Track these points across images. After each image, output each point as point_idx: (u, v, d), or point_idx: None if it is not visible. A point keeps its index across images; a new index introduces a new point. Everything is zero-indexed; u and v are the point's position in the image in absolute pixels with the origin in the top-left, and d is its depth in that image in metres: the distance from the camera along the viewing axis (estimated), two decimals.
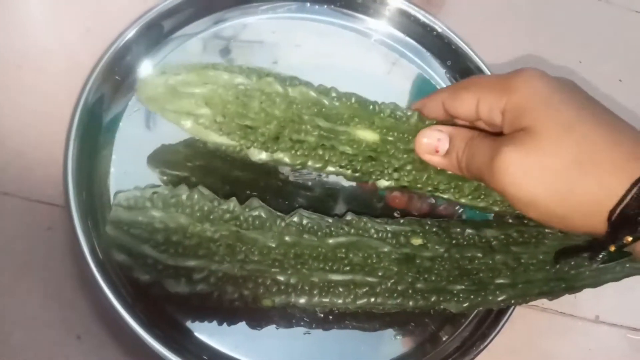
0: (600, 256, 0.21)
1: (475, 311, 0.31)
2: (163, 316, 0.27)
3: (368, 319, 0.30)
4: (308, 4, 0.36)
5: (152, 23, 0.32)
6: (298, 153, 0.26)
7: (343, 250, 0.26)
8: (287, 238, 0.26)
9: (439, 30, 0.36)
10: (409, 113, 0.27)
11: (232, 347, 0.28)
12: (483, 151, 0.23)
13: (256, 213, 0.26)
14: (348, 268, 0.26)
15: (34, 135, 0.31)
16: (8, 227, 0.29)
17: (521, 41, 0.43)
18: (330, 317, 0.29)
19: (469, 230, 0.28)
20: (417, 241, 0.27)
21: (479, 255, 0.27)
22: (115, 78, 0.31)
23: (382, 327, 0.30)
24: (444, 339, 0.30)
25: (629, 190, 0.19)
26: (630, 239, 0.20)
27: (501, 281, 0.27)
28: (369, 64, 0.37)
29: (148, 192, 0.25)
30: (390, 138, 0.27)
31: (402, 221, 0.28)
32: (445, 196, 0.29)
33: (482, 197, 0.29)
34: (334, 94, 0.27)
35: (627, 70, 0.43)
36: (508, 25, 0.43)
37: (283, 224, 0.26)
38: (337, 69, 0.35)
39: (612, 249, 0.21)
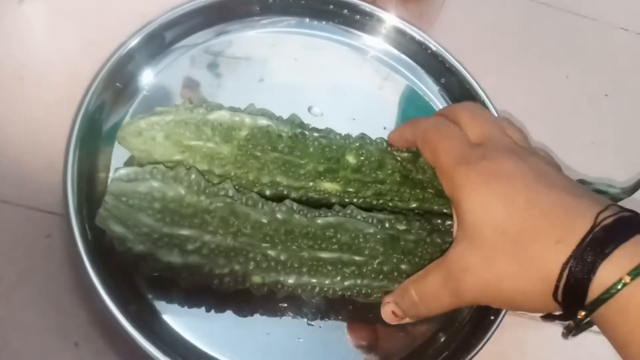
0: (571, 331, 0.23)
1: (466, 319, 0.32)
2: (161, 324, 0.28)
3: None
4: (307, 20, 0.38)
5: (154, 33, 0.33)
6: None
7: (332, 229, 0.27)
8: (278, 215, 0.27)
9: (433, 48, 0.38)
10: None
11: (228, 353, 0.28)
12: (433, 292, 0.25)
13: (249, 195, 0.27)
14: (336, 246, 0.27)
15: (35, 144, 0.32)
16: (7, 235, 0.29)
17: (510, 57, 0.45)
18: (320, 326, 0.30)
19: (448, 222, 0.29)
20: (401, 227, 0.28)
21: None
22: (116, 86, 0.32)
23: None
24: (434, 346, 0.31)
25: (561, 274, 0.21)
26: (583, 313, 0.21)
27: None
28: (360, 79, 0.38)
29: (148, 167, 0.26)
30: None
31: (386, 212, 0.29)
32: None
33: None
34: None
35: (613, 85, 0.45)
36: (497, 41, 0.45)
37: (274, 204, 0.27)
38: (328, 84, 0.37)
39: (572, 324, 0.22)
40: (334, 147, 0.29)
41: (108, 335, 0.28)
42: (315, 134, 0.29)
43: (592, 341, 0.35)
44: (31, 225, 0.30)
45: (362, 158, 0.29)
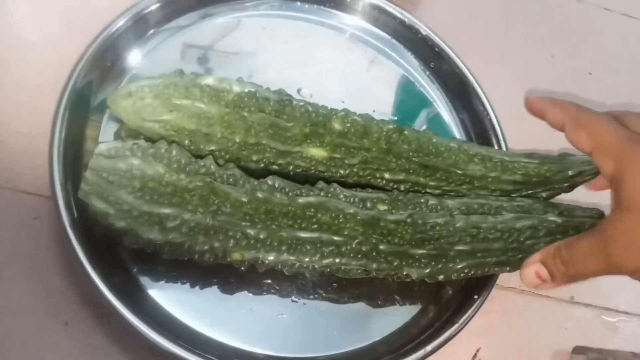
0: None
1: (452, 290, 0.32)
2: (146, 298, 0.28)
3: (342, 305, 0.31)
4: (298, 3, 0.38)
5: (139, 15, 0.33)
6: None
7: (312, 209, 0.27)
8: (259, 194, 0.27)
9: (423, 32, 0.38)
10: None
11: (209, 328, 0.28)
12: (588, 251, 0.25)
13: (231, 172, 0.27)
14: (316, 226, 0.27)
15: (21, 127, 0.32)
16: None
17: (494, 37, 0.45)
18: (304, 303, 0.30)
19: (432, 201, 0.29)
20: (382, 207, 0.28)
21: (440, 222, 0.28)
22: (101, 67, 0.32)
23: (356, 312, 0.31)
24: (422, 321, 0.31)
25: None
26: None
27: (461, 248, 0.28)
28: (348, 62, 0.38)
29: (129, 143, 0.26)
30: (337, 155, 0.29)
31: (370, 190, 0.29)
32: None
33: (444, 178, 0.30)
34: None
35: (597, 64, 0.45)
36: (482, 21, 0.45)
37: (256, 182, 0.27)
38: (317, 69, 0.37)
39: None
40: (320, 114, 0.29)
41: (98, 315, 0.28)
42: (302, 103, 0.30)
43: (578, 313, 0.36)
44: (19, 208, 0.30)
45: (347, 125, 0.29)
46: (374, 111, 0.35)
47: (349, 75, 0.38)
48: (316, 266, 0.27)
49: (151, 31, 0.34)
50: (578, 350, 0.34)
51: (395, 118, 0.37)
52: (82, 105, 0.31)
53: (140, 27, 0.34)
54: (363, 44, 0.39)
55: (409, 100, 0.38)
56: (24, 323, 0.28)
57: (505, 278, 0.35)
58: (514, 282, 0.36)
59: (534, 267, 0.27)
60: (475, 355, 0.33)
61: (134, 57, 0.34)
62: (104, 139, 0.31)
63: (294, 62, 0.36)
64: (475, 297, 0.31)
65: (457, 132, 0.38)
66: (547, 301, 0.36)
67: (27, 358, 0.27)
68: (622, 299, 0.37)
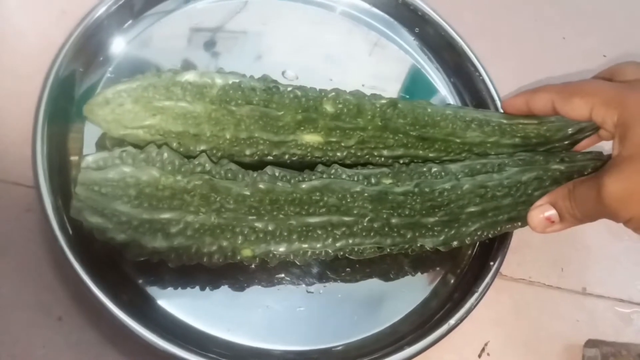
0: None
1: (465, 261, 0.32)
2: (156, 309, 0.27)
3: (358, 288, 0.30)
4: None
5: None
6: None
7: (317, 193, 0.26)
8: (260, 185, 0.26)
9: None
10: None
11: (228, 330, 0.27)
12: (588, 194, 0.25)
13: (227, 167, 0.26)
14: (324, 210, 0.26)
15: (10, 117, 0.31)
16: None
17: (503, 18, 0.43)
18: (320, 292, 0.29)
19: (435, 169, 0.29)
20: (387, 181, 0.28)
21: (447, 187, 0.28)
22: (86, 55, 0.31)
23: (374, 294, 0.30)
24: (440, 295, 0.31)
25: None
26: None
27: (471, 210, 0.28)
28: (350, 47, 0.37)
29: (116, 151, 0.25)
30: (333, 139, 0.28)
31: (371, 167, 0.29)
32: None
33: (443, 148, 0.30)
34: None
35: (611, 45, 0.44)
36: (490, 2, 0.43)
37: (255, 174, 0.26)
38: (321, 57, 0.36)
39: None
40: (310, 98, 0.28)
41: (92, 309, 0.27)
42: (289, 88, 0.28)
43: (591, 304, 0.35)
44: (10, 200, 0.29)
45: (340, 106, 0.28)
46: (363, 85, 0.34)
47: (335, 51, 0.36)
48: (329, 250, 0.27)
49: (135, 18, 0.33)
50: (590, 343, 0.33)
51: (387, 90, 0.35)
52: (66, 92, 0.29)
53: (124, 13, 0.32)
54: (366, 26, 0.38)
55: (396, 69, 0.37)
56: (16, 319, 0.27)
57: (513, 269, 0.34)
58: (523, 273, 0.34)
59: (541, 208, 0.27)
60: (483, 350, 0.32)
61: (119, 44, 0.32)
62: (91, 130, 0.29)
63: (292, 57, 0.35)
64: (491, 263, 0.30)
65: (451, 98, 0.37)
66: (558, 293, 0.35)
67: (20, 354, 0.26)
68: (636, 289, 0.36)
